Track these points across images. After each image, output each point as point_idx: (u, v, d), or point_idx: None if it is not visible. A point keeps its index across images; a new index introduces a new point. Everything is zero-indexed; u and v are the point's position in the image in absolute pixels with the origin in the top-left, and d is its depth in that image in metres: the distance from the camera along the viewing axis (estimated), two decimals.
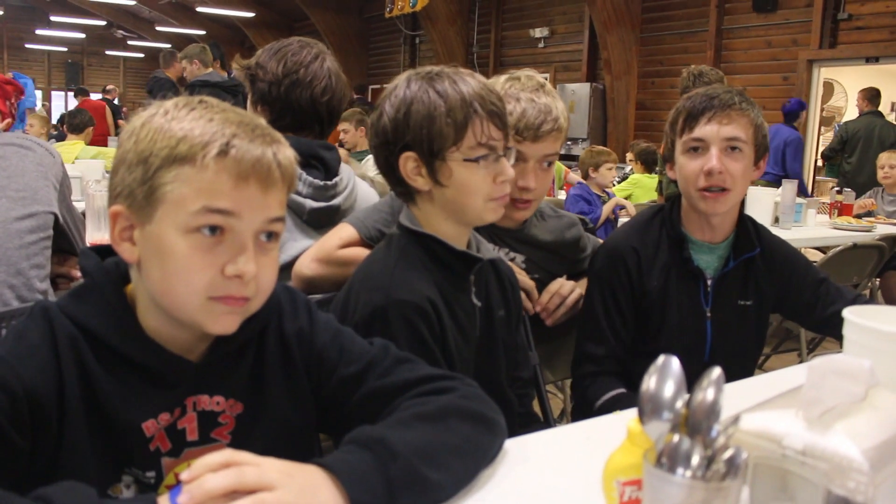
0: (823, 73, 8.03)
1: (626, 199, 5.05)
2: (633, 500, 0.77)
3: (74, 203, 1.87)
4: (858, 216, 4.48)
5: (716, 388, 0.69)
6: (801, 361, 3.13)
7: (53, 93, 20.68)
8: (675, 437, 0.69)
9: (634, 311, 1.65)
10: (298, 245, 1.68)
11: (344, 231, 1.56)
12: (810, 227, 4.14)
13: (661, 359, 0.75)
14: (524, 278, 1.63)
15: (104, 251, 0.92)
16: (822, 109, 8.48)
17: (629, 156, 6.84)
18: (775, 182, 5.87)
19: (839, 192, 4.73)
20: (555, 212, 1.78)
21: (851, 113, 8.47)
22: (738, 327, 1.67)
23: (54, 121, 10.98)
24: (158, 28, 17.78)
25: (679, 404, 0.71)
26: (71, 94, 16.45)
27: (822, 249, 4.55)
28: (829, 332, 1.75)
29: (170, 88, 6.02)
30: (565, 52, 10.68)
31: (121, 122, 10.09)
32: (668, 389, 0.72)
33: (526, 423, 1.44)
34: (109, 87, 13.16)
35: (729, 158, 1.55)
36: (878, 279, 3.89)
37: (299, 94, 1.70)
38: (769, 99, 7.84)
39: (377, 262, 1.26)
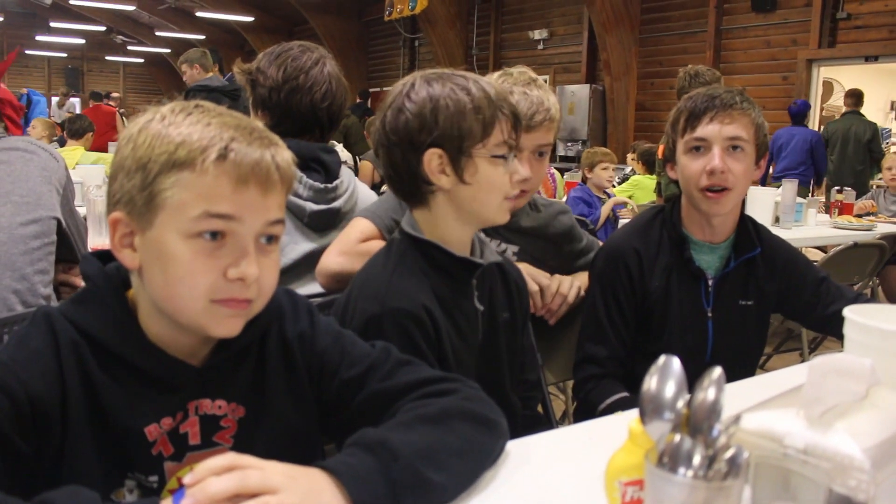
0: (823, 73, 8.05)
1: (624, 205, 5.05)
2: (634, 500, 0.77)
3: (76, 208, 1.88)
4: (859, 216, 4.48)
5: (717, 388, 0.70)
6: (803, 361, 3.12)
7: (53, 98, 20.70)
8: (677, 437, 0.69)
9: (636, 311, 1.65)
10: (299, 248, 1.68)
11: (361, 224, 1.57)
12: (811, 226, 4.14)
13: (661, 359, 0.75)
14: (531, 282, 1.63)
15: (105, 256, 0.92)
16: (821, 109, 8.49)
17: (630, 156, 6.84)
18: (804, 183, 6.00)
19: (839, 192, 4.73)
20: (547, 203, 1.79)
21: None
22: (740, 327, 1.67)
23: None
24: (158, 33, 17.81)
25: (680, 404, 0.71)
26: (75, 99, 16.48)
27: (822, 249, 4.55)
28: (830, 331, 1.75)
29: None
30: (564, 54, 10.69)
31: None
32: (670, 389, 0.73)
33: (531, 424, 1.44)
34: (114, 94, 13.19)
35: (731, 158, 1.55)
36: (877, 277, 3.90)
37: (299, 100, 1.70)
38: (769, 99, 7.86)
39: (375, 268, 1.25)
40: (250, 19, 15.31)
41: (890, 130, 8.98)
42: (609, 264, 1.66)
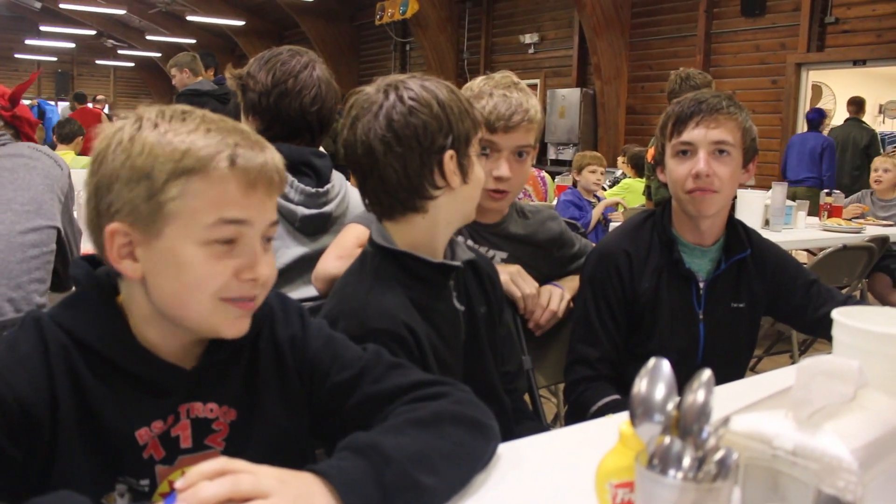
0: (812, 77, 8.10)
1: (616, 206, 5.07)
2: (625, 501, 0.77)
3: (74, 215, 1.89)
4: (850, 220, 4.51)
5: (706, 390, 0.70)
6: (793, 363, 3.14)
7: (43, 102, 20.61)
8: (667, 439, 0.69)
9: (626, 313, 1.66)
10: (290, 252, 1.68)
11: (357, 229, 1.57)
12: (800, 229, 4.16)
13: (651, 361, 0.76)
14: (513, 288, 1.64)
15: (95, 261, 0.92)
16: None
17: (621, 160, 6.87)
18: (816, 186, 6.18)
19: (829, 195, 4.76)
20: (535, 209, 1.80)
21: (840, 115, 8.54)
22: (731, 329, 1.68)
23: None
24: (149, 37, 17.78)
25: (670, 406, 0.72)
26: (63, 103, 16.40)
27: (811, 251, 4.58)
28: (820, 333, 1.77)
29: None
30: (555, 58, 10.72)
31: None
32: (660, 392, 0.73)
33: (518, 419, 1.44)
34: (99, 97, 13.13)
35: (717, 162, 1.57)
36: (866, 280, 3.92)
37: (288, 105, 1.70)
38: (759, 102, 7.91)
39: (351, 285, 1.22)
40: (241, 23, 15.29)
41: (895, 135, 9.08)
42: (599, 266, 1.67)
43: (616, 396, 1.59)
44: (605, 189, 5.59)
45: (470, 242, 1.33)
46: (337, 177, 1.80)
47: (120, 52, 20.31)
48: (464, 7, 12.03)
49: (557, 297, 1.69)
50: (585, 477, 0.83)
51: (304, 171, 1.72)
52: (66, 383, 0.84)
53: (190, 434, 0.91)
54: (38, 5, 16.68)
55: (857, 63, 7.59)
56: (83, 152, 6.02)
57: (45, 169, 1.78)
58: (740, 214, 2.72)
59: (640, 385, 0.74)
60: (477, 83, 1.60)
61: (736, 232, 1.69)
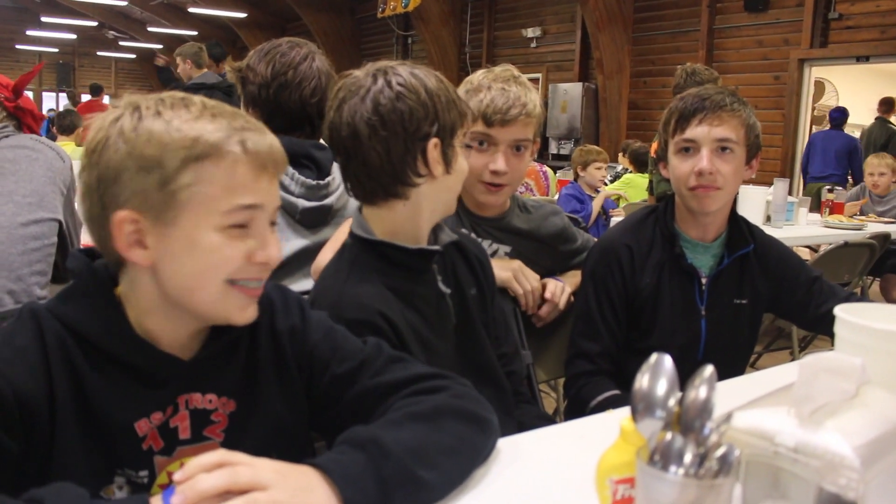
0: (814, 73, 8.07)
1: (616, 199, 5.06)
2: (626, 498, 0.77)
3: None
4: (853, 216, 4.50)
5: (708, 387, 0.70)
6: (793, 359, 3.14)
7: (45, 94, 20.60)
8: (668, 435, 0.69)
9: (627, 308, 1.66)
10: (291, 245, 1.68)
11: None
12: (802, 225, 4.16)
13: (653, 357, 0.75)
14: (515, 285, 1.64)
15: (92, 253, 0.92)
16: (813, 108, 8.52)
17: (621, 156, 6.86)
18: (840, 183, 6.34)
19: (830, 191, 4.75)
20: (538, 204, 1.80)
21: None
22: (733, 326, 1.68)
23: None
24: (150, 29, 17.72)
25: (672, 402, 0.71)
26: (63, 94, 16.37)
27: (813, 248, 4.57)
28: (822, 329, 1.76)
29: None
30: (557, 52, 10.69)
31: None
32: (661, 387, 0.72)
33: (517, 402, 1.44)
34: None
35: (720, 159, 1.56)
36: (874, 278, 3.91)
37: (288, 97, 1.70)
38: (761, 98, 7.88)
39: (329, 279, 1.23)
40: (243, 15, 15.26)
41: None
42: (601, 260, 1.67)
43: (616, 391, 1.59)
44: (606, 184, 5.58)
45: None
46: (337, 169, 1.80)
47: (121, 43, 20.27)
48: (466, 0, 12.01)
49: (559, 289, 1.70)
50: (585, 472, 0.82)
51: (305, 163, 1.71)
52: (64, 375, 0.84)
53: (189, 425, 0.91)
54: None
55: (860, 59, 7.56)
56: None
57: (48, 161, 1.78)
58: (741, 210, 2.71)
59: (642, 380, 0.73)
60: (477, 76, 1.59)
61: (738, 228, 1.69)
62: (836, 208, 4.58)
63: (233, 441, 0.92)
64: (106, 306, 0.88)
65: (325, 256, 1.54)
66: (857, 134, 7.43)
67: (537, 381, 1.73)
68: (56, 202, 1.75)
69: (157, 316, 0.88)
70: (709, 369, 0.71)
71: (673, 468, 0.67)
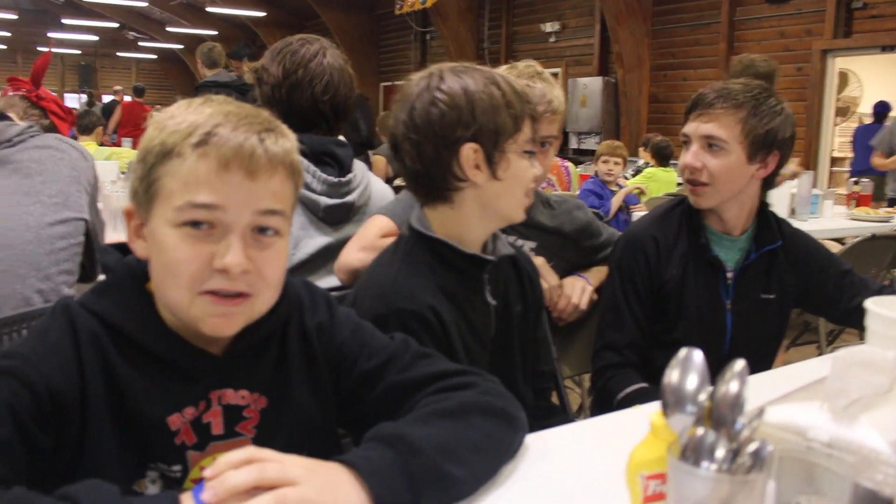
0: (838, 63, 7.95)
1: (638, 194, 5.03)
2: (657, 493, 0.76)
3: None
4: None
5: (740, 381, 0.69)
6: (819, 353, 3.10)
7: (66, 94, 20.83)
8: (700, 430, 0.68)
9: (653, 299, 1.65)
10: (314, 242, 1.68)
11: (380, 221, 1.58)
12: (827, 218, 4.11)
13: (683, 351, 0.74)
14: (546, 279, 1.63)
15: (125, 248, 0.93)
16: (837, 100, 8.40)
17: (641, 150, 6.81)
18: (880, 176, 6.21)
19: (856, 183, 4.69)
20: (561, 199, 1.79)
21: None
22: (760, 320, 1.67)
23: None
24: (169, 29, 17.84)
25: (703, 397, 0.71)
26: (83, 96, 16.53)
27: (840, 241, 4.52)
28: (852, 323, 1.74)
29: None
30: (576, 47, 10.63)
31: None
32: (692, 382, 0.72)
33: (546, 415, 1.43)
34: (116, 87, 13.29)
35: (708, 154, 1.58)
36: None
37: (300, 96, 1.70)
38: (784, 90, 7.76)
39: (381, 267, 1.24)
40: (262, 14, 15.31)
41: None
42: (627, 251, 1.67)
43: (643, 384, 1.58)
44: (626, 178, 5.55)
45: (498, 231, 1.33)
46: (359, 166, 1.80)
47: (141, 44, 20.45)
48: None
49: (579, 289, 1.69)
50: (614, 468, 0.82)
51: (326, 160, 1.72)
52: (97, 370, 0.85)
53: (221, 421, 0.91)
54: None
55: (885, 49, 7.43)
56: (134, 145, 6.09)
57: (72, 161, 1.80)
58: None
59: (672, 375, 0.73)
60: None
61: (767, 223, 1.67)
62: (862, 200, 4.53)
63: (264, 437, 0.92)
64: (138, 300, 0.89)
65: (348, 255, 1.55)
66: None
67: (562, 377, 1.73)
68: (82, 201, 1.77)
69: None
70: (740, 363, 0.70)
71: (705, 464, 0.66)
